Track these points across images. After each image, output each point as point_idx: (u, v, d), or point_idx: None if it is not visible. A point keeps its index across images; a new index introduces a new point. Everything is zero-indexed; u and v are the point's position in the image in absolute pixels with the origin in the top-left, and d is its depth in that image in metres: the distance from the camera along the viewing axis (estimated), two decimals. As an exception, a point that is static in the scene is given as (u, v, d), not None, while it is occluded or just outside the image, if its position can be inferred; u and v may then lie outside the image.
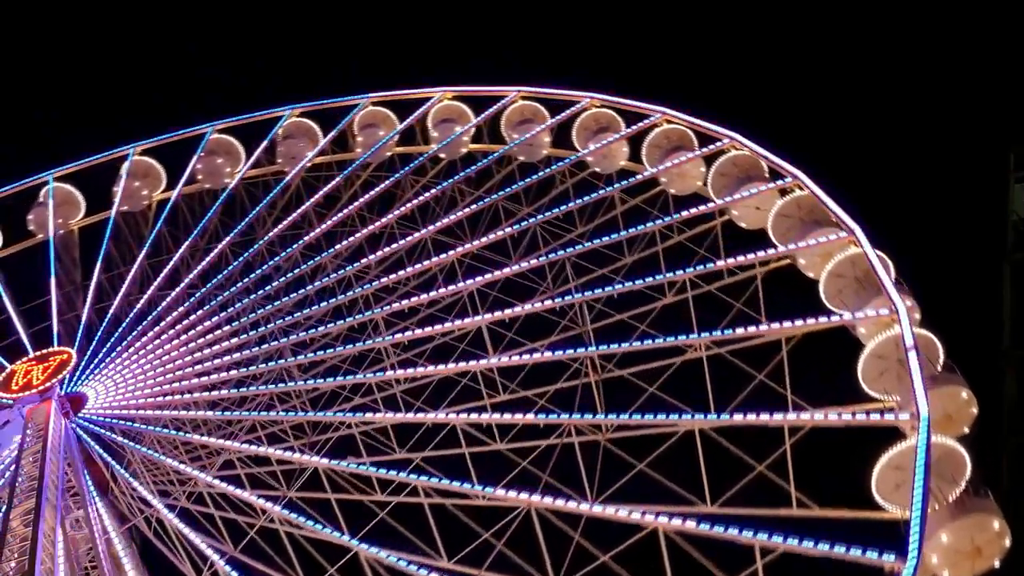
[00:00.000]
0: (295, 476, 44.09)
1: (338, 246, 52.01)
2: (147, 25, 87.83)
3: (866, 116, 77.95)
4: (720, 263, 45.45)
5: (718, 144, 51.04)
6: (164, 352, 47.85)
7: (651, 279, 45.56)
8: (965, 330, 48.64)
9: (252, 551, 42.52)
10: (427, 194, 53.86)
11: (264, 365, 46.86)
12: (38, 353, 47.47)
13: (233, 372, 46.64)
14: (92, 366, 47.36)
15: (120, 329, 49.01)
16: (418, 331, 47.05)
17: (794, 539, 33.03)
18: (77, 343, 48.11)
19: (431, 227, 51.34)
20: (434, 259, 49.31)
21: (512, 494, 37.29)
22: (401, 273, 49.43)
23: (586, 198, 51.36)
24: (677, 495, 39.77)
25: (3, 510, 39.81)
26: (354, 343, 47.35)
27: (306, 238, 52.80)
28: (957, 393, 39.31)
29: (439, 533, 39.68)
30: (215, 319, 49.17)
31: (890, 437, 37.16)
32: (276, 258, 51.68)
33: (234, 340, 47.68)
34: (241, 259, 52.04)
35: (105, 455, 44.32)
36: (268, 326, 48.05)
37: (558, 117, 56.39)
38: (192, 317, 49.43)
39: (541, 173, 53.98)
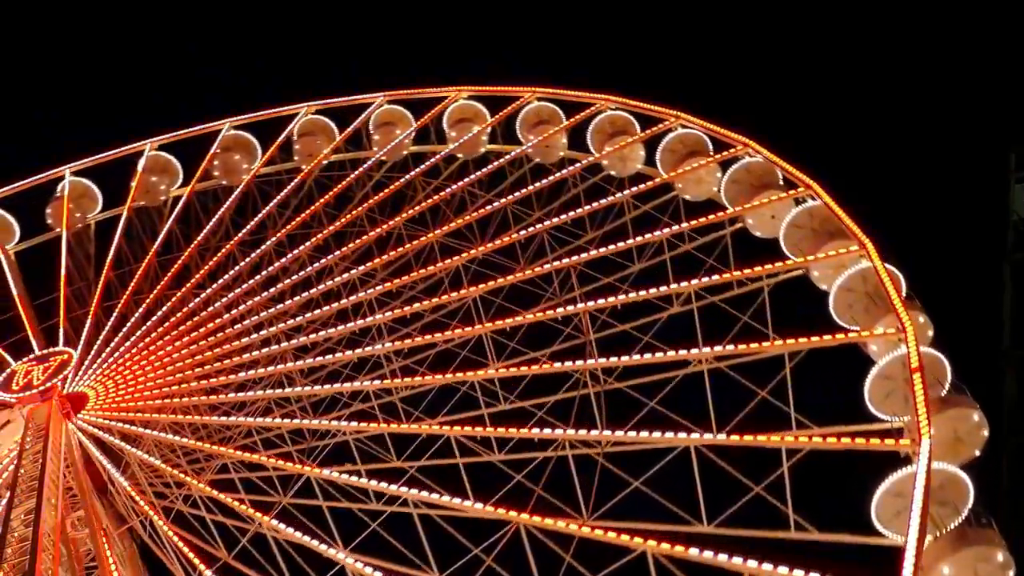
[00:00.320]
0: (291, 482, 43.46)
1: (344, 248, 51.31)
2: (147, 25, 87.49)
3: (866, 116, 77.63)
4: (729, 274, 44.39)
5: (732, 150, 49.97)
6: (166, 352, 47.38)
7: (657, 290, 44.45)
8: (965, 330, 48.42)
9: (246, 557, 42.04)
10: (437, 196, 53.03)
11: (265, 368, 46.35)
12: (39, 353, 47.21)
13: (233, 376, 46.05)
14: (94, 365, 46.97)
15: (126, 328, 48.57)
16: (418, 339, 46.36)
17: (784, 567, 31.79)
18: (82, 342, 47.72)
19: (439, 230, 50.49)
20: (439, 264, 48.49)
21: (502, 511, 36.39)
22: (406, 278, 48.70)
23: (595, 203, 50.33)
24: (673, 514, 38.88)
25: (3, 510, 39.65)
26: (356, 347, 46.68)
27: (313, 240, 52.06)
28: (968, 415, 38.10)
29: (430, 545, 38.99)
30: (219, 320, 48.62)
31: (894, 460, 36.08)
32: (283, 260, 50.99)
33: (236, 343, 47.08)
34: (248, 260, 51.47)
35: (103, 459, 43.82)
36: (271, 328, 47.39)
37: (573, 119, 55.43)
38: (196, 318, 48.92)
39: (553, 176, 53.00)
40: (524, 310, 46.84)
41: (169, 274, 51.20)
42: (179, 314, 48.73)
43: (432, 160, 56.34)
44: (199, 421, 44.25)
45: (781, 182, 48.51)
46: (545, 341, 46.20)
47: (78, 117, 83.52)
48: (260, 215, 54.42)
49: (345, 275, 49.22)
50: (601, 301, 44.44)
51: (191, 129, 59.84)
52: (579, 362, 42.45)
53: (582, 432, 39.21)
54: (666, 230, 47.50)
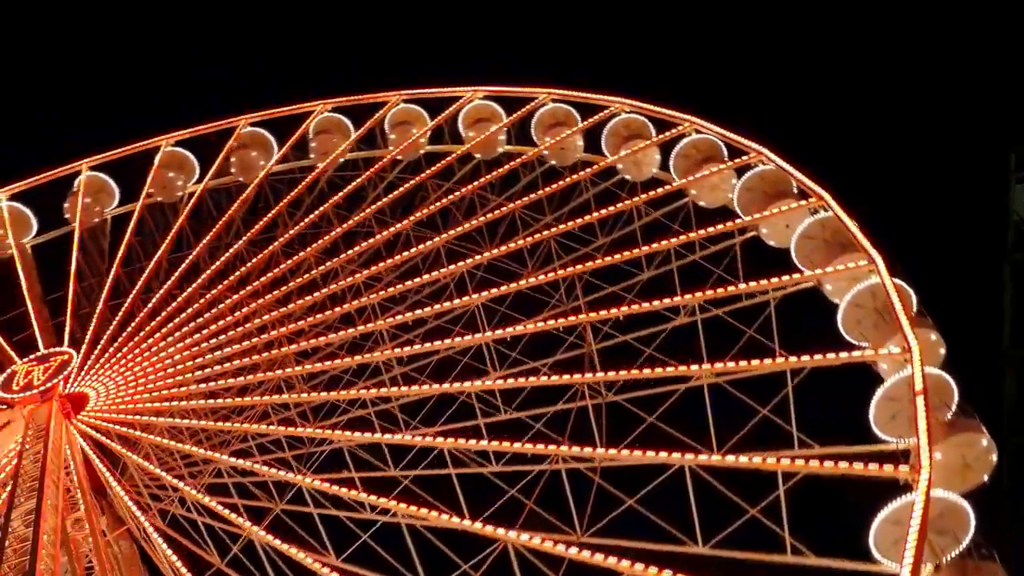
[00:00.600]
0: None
1: (352, 250, 50.67)
2: (147, 25, 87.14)
3: (866, 116, 76.58)
4: (736, 287, 43.24)
5: (745, 157, 48.77)
6: (167, 354, 46.99)
7: (661, 302, 43.43)
8: (965, 330, 47.30)
9: (241, 562, 41.63)
10: (448, 199, 52.22)
11: (265, 373, 45.91)
12: (39, 353, 46.96)
13: (233, 380, 45.61)
14: (96, 365, 46.70)
15: (130, 327, 48.26)
16: (417, 347, 45.86)
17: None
18: (86, 341, 47.49)
19: (447, 234, 49.69)
20: (444, 270, 47.73)
21: (490, 528, 35.60)
22: (410, 283, 48.15)
23: (606, 209, 49.25)
24: (668, 533, 37.96)
25: (4, 511, 39.50)
26: (358, 352, 46.26)
27: (321, 241, 51.46)
28: (976, 441, 36.78)
29: (420, 558, 38.31)
30: (222, 322, 48.13)
31: (896, 484, 34.71)
32: (289, 261, 50.42)
33: (237, 347, 46.59)
34: (254, 261, 50.91)
35: (99, 463, 43.62)
36: (274, 332, 46.95)
37: (589, 121, 54.37)
38: (200, 319, 48.46)
39: (565, 180, 52.02)
40: (528, 317, 46.23)
41: (176, 274, 50.61)
42: (183, 315, 48.21)
43: (447, 160, 55.40)
44: (196, 426, 43.71)
45: (795, 190, 47.24)
46: (548, 349, 45.85)
47: (78, 117, 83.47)
48: (270, 214, 53.79)
49: (350, 279, 48.42)
50: (604, 312, 43.50)
51: (208, 125, 59.32)
52: (577, 375, 41.61)
53: (576, 449, 38.15)
54: (677, 238, 46.41)
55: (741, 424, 40.02)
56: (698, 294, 42.96)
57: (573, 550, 33.75)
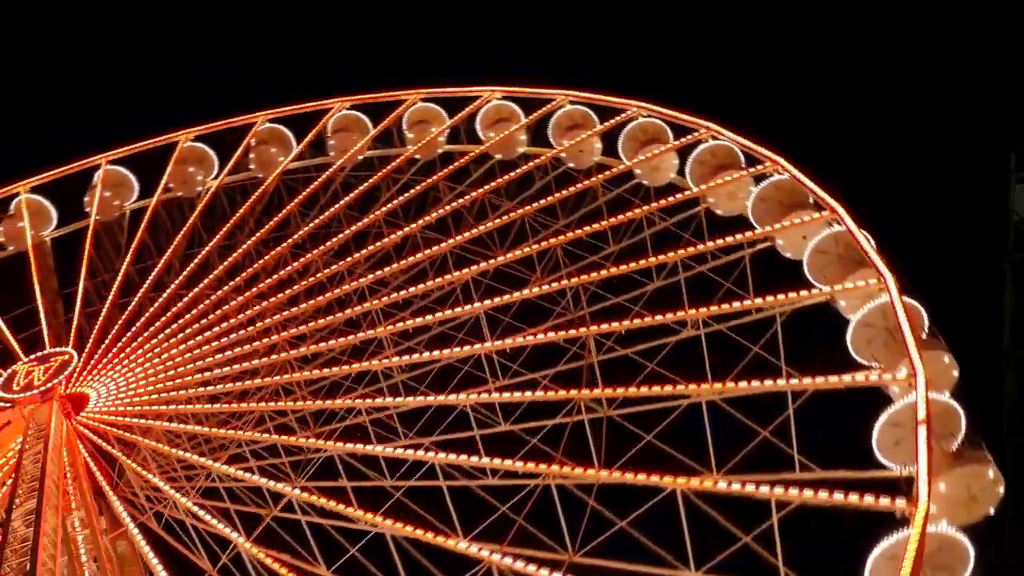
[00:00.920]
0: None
1: (361, 252, 50.05)
2: (147, 25, 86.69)
3: (866, 116, 74.56)
4: (746, 301, 42.16)
5: (761, 166, 47.35)
6: (169, 355, 46.77)
7: (664, 316, 42.42)
8: (965, 330, 46.39)
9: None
10: (459, 202, 51.37)
11: (263, 380, 45.64)
12: (40, 353, 46.77)
13: (232, 385, 45.47)
14: (97, 365, 46.51)
15: (134, 327, 48.06)
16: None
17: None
18: (91, 340, 47.31)
19: (456, 238, 48.94)
20: (449, 276, 47.16)
21: (474, 550, 35.47)
22: (413, 289, 47.58)
23: (617, 217, 48.20)
24: (660, 557, 37.07)
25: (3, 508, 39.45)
26: (359, 357, 46.04)
27: (331, 243, 50.85)
28: (982, 472, 35.27)
29: (408, 573, 38.03)
30: (226, 324, 47.74)
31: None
32: (296, 263, 50.00)
33: (238, 350, 46.25)
34: (262, 261, 50.48)
35: (95, 463, 43.58)
36: (275, 336, 46.58)
37: (606, 124, 53.14)
38: (206, 320, 48.14)
39: (580, 184, 50.92)
40: (533, 324, 45.86)
41: (183, 273, 50.21)
42: (187, 315, 47.84)
43: (462, 161, 54.49)
44: (191, 431, 43.37)
45: (812, 201, 45.80)
46: (550, 359, 45.20)
47: (78, 117, 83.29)
48: (280, 214, 53.29)
49: (355, 283, 47.85)
50: (606, 326, 42.65)
51: (226, 121, 58.83)
52: (575, 391, 40.95)
53: (567, 469, 37.21)
54: (686, 249, 45.32)
55: (742, 442, 39.41)
56: (702, 310, 41.86)
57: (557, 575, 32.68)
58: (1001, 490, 35.42)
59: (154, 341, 47.31)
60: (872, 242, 43.16)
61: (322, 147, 58.02)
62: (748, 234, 45.47)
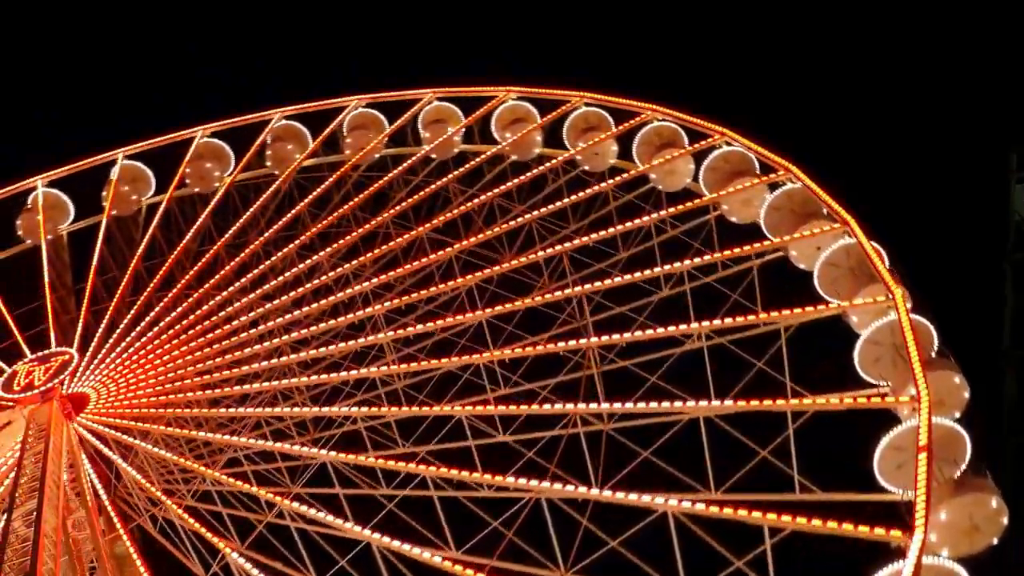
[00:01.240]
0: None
1: (371, 253, 49.51)
2: (147, 25, 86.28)
3: (866, 116, 74.31)
4: (747, 316, 41.16)
5: (775, 175, 46.25)
6: (167, 352, 46.47)
7: (671, 328, 41.48)
8: (965, 330, 46.38)
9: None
10: (467, 205, 50.66)
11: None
12: (40, 353, 46.43)
13: (232, 389, 45.03)
14: (101, 365, 46.21)
15: (139, 326, 47.77)
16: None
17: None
18: (96, 339, 47.10)
19: (462, 244, 48.17)
20: (454, 282, 46.47)
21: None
22: (416, 296, 47.07)
23: (628, 224, 47.29)
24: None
25: (5, 511, 39.18)
26: (361, 361, 45.58)
27: (336, 245, 50.29)
28: (986, 501, 33.77)
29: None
30: (234, 323, 47.42)
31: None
32: (301, 265, 49.55)
33: (234, 338, 46.05)
34: (270, 261, 50.07)
35: (89, 468, 43.17)
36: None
37: (623, 127, 52.14)
38: (213, 319, 47.80)
39: (591, 189, 49.93)
40: (535, 333, 45.61)
41: (190, 273, 49.86)
42: (193, 316, 47.47)
43: (478, 160, 53.63)
44: (187, 435, 43.04)
45: (826, 210, 44.48)
46: (551, 368, 44.76)
47: (77, 117, 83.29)
48: (290, 215, 52.78)
49: (359, 288, 47.31)
50: (607, 338, 41.99)
51: (243, 117, 58.39)
52: (570, 405, 40.37)
53: (557, 486, 36.52)
54: (692, 260, 44.29)
55: (743, 460, 38.52)
56: (705, 323, 40.91)
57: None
58: (1005, 520, 33.98)
59: (157, 342, 46.87)
60: (884, 256, 42.02)
61: (336, 145, 57.43)
62: (759, 244, 44.20)
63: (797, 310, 40.24)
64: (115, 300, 49.16)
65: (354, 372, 44.58)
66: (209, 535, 38.85)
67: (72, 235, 57.73)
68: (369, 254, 49.09)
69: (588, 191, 49.80)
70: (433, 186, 52.83)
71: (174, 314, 47.93)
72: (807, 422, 37.84)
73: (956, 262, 61.17)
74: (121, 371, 45.79)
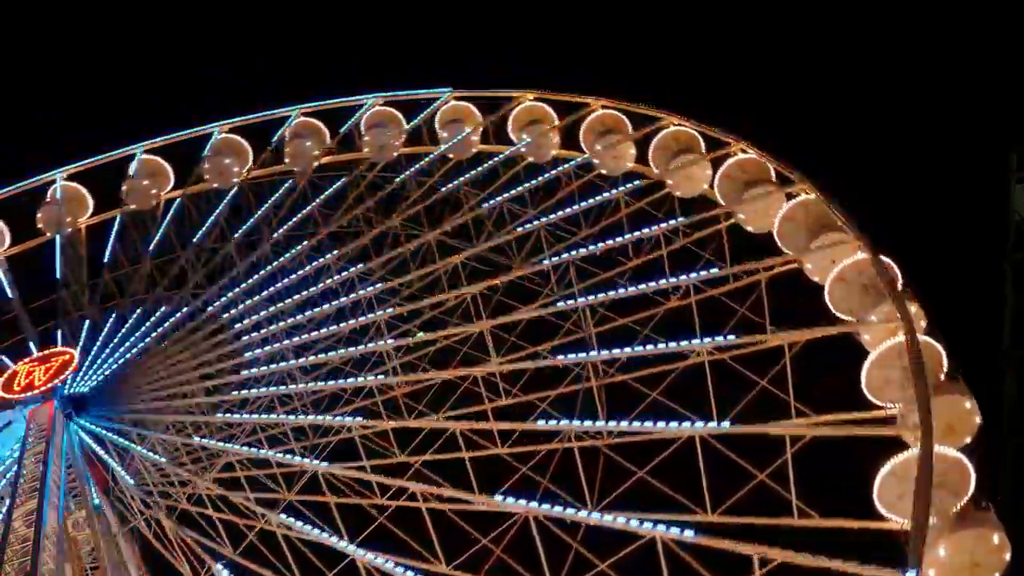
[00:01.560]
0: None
1: (382, 257, 48.87)
2: (147, 25, 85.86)
3: (866, 116, 73.56)
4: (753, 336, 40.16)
5: (792, 186, 44.81)
6: (168, 353, 46.20)
7: (671, 344, 40.38)
8: (965, 330, 46.03)
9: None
10: (475, 211, 49.86)
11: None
12: (41, 353, 46.24)
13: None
14: (98, 365, 46.00)
15: (145, 326, 47.52)
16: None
17: None
18: (102, 339, 46.94)
19: (478, 247, 47.57)
20: (462, 289, 45.85)
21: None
22: (424, 302, 46.56)
23: (641, 232, 46.39)
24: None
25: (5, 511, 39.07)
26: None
27: (353, 244, 49.76)
28: (988, 537, 32.53)
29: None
30: (241, 325, 47.11)
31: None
32: (313, 264, 49.08)
33: (239, 342, 45.86)
34: (278, 262, 49.60)
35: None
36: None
37: (640, 131, 50.84)
38: (222, 317, 47.59)
39: (603, 195, 48.85)
40: (538, 343, 44.50)
41: (198, 273, 49.63)
42: (200, 316, 47.14)
43: (494, 161, 52.66)
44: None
45: (838, 223, 42.97)
46: (552, 379, 43.61)
47: (77, 117, 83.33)
48: (301, 215, 52.46)
49: (363, 293, 46.62)
50: (606, 353, 41.40)
51: (260, 114, 57.93)
52: (581, 355, 40.86)
53: (545, 507, 35.85)
54: (704, 273, 43.17)
55: (741, 480, 37.53)
56: (708, 341, 40.09)
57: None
58: (1007, 557, 32.67)
59: (160, 343, 46.40)
60: (898, 272, 40.58)
61: (353, 144, 56.74)
62: (770, 259, 42.90)
63: (801, 330, 38.84)
64: (124, 299, 48.68)
65: (352, 380, 44.20)
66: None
67: (90, 229, 57.51)
68: (377, 259, 48.24)
69: (599, 197, 48.54)
70: (444, 189, 51.90)
71: (179, 315, 47.29)
72: (810, 442, 36.63)
73: (956, 262, 61.14)
74: (122, 371, 45.32)
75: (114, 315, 48.84)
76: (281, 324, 46.30)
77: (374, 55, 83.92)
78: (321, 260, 48.95)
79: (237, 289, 48.17)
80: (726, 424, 36.31)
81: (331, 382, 44.46)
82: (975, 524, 32.46)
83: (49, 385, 44.13)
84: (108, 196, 57.35)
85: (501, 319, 43.59)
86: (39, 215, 57.31)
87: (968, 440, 36.08)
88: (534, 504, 35.02)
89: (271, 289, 48.07)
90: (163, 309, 48.06)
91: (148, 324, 47.72)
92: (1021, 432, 51.67)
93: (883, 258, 40.34)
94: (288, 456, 41.93)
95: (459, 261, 46.71)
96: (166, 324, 47.45)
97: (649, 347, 40.74)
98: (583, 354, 40.99)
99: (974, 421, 36.50)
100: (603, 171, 51.67)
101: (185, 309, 48.02)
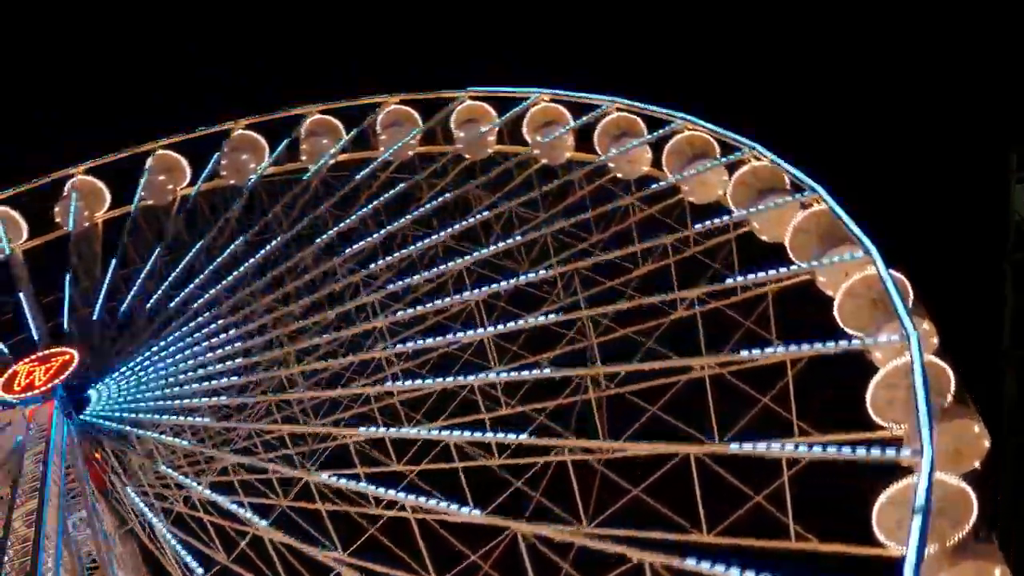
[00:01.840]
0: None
1: (388, 259, 48.22)
2: (147, 25, 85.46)
3: (866, 116, 72.48)
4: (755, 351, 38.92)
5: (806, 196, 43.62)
6: (168, 354, 45.91)
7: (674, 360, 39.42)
8: (965, 330, 45.65)
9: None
10: (486, 214, 49.07)
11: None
12: (41, 353, 46.01)
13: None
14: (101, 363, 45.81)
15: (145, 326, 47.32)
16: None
17: None
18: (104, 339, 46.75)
19: (485, 252, 46.66)
20: (468, 295, 45.16)
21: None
22: (429, 306, 45.94)
23: (655, 241, 45.41)
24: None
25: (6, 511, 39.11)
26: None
27: (360, 244, 49.09)
28: (989, 571, 31.73)
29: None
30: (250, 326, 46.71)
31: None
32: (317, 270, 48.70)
33: (239, 345, 45.46)
34: (291, 261, 49.23)
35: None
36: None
37: (655, 134, 49.92)
38: (224, 318, 47.15)
39: (616, 202, 47.83)
40: (540, 352, 44.02)
41: (204, 273, 49.27)
42: (202, 318, 46.79)
43: (504, 165, 51.85)
44: (176, 444, 42.45)
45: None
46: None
47: (77, 117, 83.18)
48: (315, 212, 51.77)
49: (368, 298, 46.07)
50: (606, 368, 40.93)
51: (278, 114, 57.52)
52: (555, 439, 39.12)
53: (529, 528, 35.11)
54: (713, 285, 42.10)
55: (738, 501, 36.60)
56: (711, 358, 39.31)
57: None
58: (1009, 586, 31.64)
59: (162, 343, 46.09)
60: (909, 289, 39.29)
61: (367, 143, 56.14)
62: (784, 270, 41.68)
63: (803, 347, 37.65)
64: (128, 298, 48.50)
65: (350, 388, 43.85)
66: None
67: (107, 223, 57.47)
68: (382, 261, 47.79)
69: (610, 205, 47.61)
70: (454, 193, 51.25)
71: (184, 316, 47.02)
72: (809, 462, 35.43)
73: (956, 262, 60.60)
74: (123, 372, 45.10)
75: (120, 313, 48.28)
76: (284, 329, 45.77)
77: (390, 55, 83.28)
78: (326, 265, 48.05)
79: (245, 292, 47.41)
80: (721, 445, 35.33)
81: (328, 391, 44.01)
82: (975, 557, 31.38)
83: (49, 385, 43.77)
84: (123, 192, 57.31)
85: (500, 328, 42.79)
86: (56, 209, 57.30)
87: (976, 464, 34.93)
88: (522, 523, 34.54)
89: (277, 293, 47.32)
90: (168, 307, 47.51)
91: (154, 324, 47.32)
92: (1021, 432, 51.33)
93: (895, 273, 39.08)
94: (278, 464, 41.71)
95: (465, 266, 45.59)
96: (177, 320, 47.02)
97: (648, 364, 40.03)
98: (581, 368, 40.30)
99: (983, 445, 35.41)
100: (619, 175, 50.60)
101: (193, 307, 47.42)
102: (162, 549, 41.33)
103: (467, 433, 39.78)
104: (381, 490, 38.27)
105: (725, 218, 44.72)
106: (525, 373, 41.52)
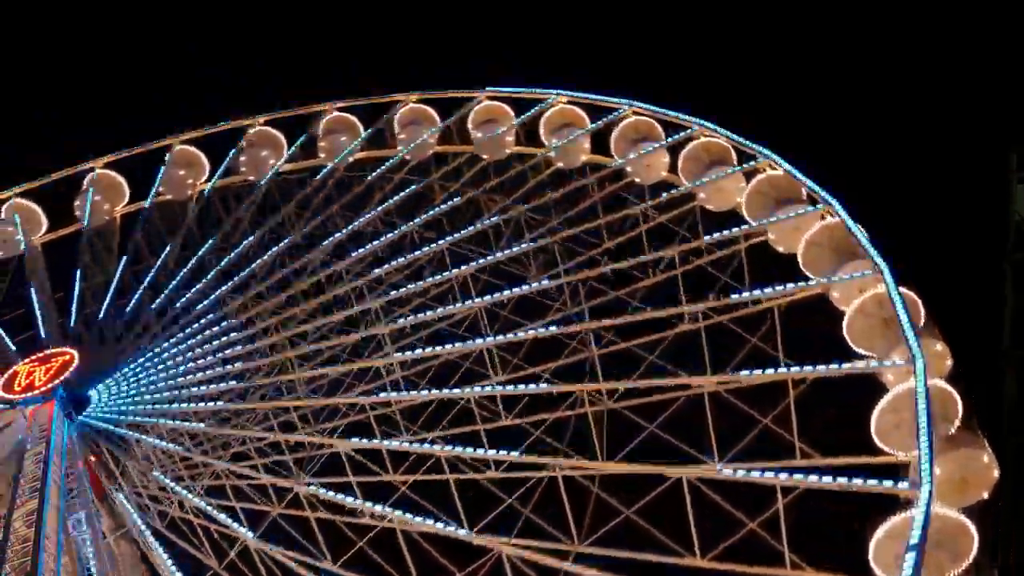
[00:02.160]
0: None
1: (397, 261, 47.62)
2: (147, 25, 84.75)
3: (866, 116, 70.83)
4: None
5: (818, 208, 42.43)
6: (169, 355, 45.65)
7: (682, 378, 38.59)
8: (965, 330, 43.87)
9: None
10: (498, 218, 48.38)
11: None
12: (41, 353, 45.79)
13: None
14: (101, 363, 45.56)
15: (168, 326, 47.13)
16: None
17: None
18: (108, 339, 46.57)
19: (486, 259, 45.93)
20: (476, 301, 44.51)
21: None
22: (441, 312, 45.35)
23: (668, 251, 44.58)
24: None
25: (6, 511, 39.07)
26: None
27: (369, 247, 48.57)
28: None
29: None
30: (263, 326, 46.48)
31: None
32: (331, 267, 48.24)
33: (239, 348, 45.14)
34: (304, 258, 48.86)
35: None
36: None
37: (672, 139, 48.84)
38: (228, 320, 46.89)
39: (628, 208, 46.95)
40: (543, 362, 43.34)
41: (211, 274, 48.94)
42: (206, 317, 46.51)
43: (516, 168, 51.12)
44: (171, 448, 42.16)
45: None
46: (552, 403, 42.11)
47: (78, 117, 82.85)
48: (320, 217, 51.64)
49: (371, 304, 45.56)
50: (604, 384, 40.15)
51: (295, 110, 57.12)
52: (549, 458, 38.26)
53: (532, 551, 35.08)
54: (720, 299, 41.31)
55: (733, 526, 35.50)
56: (713, 377, 37.88)
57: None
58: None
59: (164, 344, 45.80)
60: (920, 309, 37.88)
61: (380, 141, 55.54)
62: (792, 286, 40.40)
63: (806, 368, 36.76)
64: (134, 297, 48.26)
65: (347, 397, 43.57)
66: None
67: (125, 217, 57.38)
68: (388, 265, 47.07)
69: (622, 212, 46.51)
70: (464, 197, 50.47)
71: (189, 316, 46.70)
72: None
73: (956, 262, 59.54)
74: (125, 372, 44.90)
75: (126, 311, 48.13)
76: (286, 333, 45.30)
77: (409, 55, 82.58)
78: (331, 268, 47.51)
79: (251, 294, 47.02)
80: (712, 469, 34.26)
81: (326, 399, 43.85)
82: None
83: (50, 385, 43.60)
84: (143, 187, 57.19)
85: (500, 339, 42.21)
86: (76, 203, 57.29)
87: (984, 495, 33.51)
88: (505, 539, 34.53)
89: (282, 295, 46.93)
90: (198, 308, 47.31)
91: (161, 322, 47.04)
92: (1021, 432, 50.26)
93: (907, 291, 37.69)
94: (263, 475, 41.43)
95: (469, 273, 44.88)
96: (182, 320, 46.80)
97: (645, 382, 39.40)
98: (579, 384, 39.74)
99: (991, 475, 33.99)
100: (635, 179, 49.52)
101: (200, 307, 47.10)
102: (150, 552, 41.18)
103: (459, 448, 39.22)
104: (368, 504, 37.99)
105: (737, 229, 43.32)
106: (523, 387, 40.97)
